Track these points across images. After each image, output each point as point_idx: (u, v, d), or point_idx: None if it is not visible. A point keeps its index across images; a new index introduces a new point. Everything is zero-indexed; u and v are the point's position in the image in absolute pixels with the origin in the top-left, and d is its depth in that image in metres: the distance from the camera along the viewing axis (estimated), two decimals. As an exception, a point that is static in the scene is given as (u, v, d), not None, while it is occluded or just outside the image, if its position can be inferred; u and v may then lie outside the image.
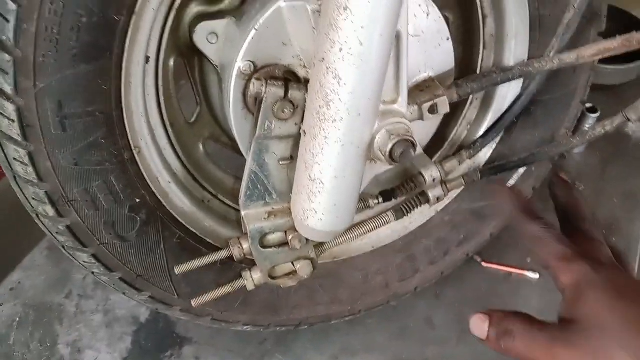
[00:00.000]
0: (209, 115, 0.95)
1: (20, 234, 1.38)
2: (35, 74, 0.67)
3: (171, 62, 0.86)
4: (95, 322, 1.19)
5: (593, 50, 0.86)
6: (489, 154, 1.03)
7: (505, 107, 0.99)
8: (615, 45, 0.86)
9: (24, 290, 1.26)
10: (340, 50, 0.63)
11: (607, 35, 1.89)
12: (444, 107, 0.86)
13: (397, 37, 0.71)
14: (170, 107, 0.86)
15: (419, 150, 0.95)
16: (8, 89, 0.67)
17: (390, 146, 0.72)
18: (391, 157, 0.72)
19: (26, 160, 0.72)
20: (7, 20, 0.64)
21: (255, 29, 0.75)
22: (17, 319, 1.20)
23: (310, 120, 0.70)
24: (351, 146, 0.70)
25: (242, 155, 0.86)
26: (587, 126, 1.43)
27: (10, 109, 0.69)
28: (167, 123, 0.85)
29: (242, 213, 0.82)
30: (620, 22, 1.78)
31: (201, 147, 0.95)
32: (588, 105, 1.44)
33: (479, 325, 0.52)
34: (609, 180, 1.45)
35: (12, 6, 0.63)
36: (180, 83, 0.90)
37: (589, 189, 1.42)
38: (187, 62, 0.88)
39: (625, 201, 1.39)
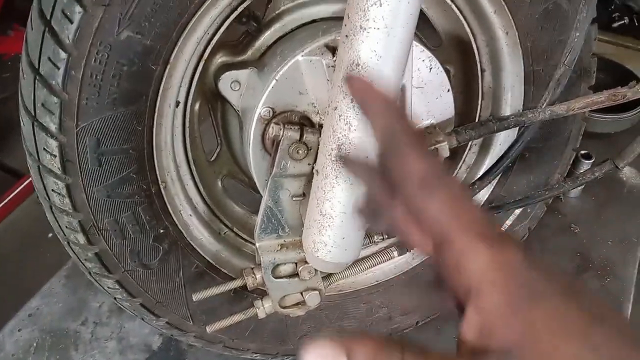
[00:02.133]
0: (228, 154, 1.02)
1: (39, 263, 1.45)
2: (78, 114, 0.75)
3: (197, 106, 0.94)
4: (109, 349, 1.24)
5: (582, 103, 0.94)
6: (487, 195, 1.10)
7: (502, 152, 1.06)
8: (602, 98, 0.94)
9: (41, 317, 1.31)
10: (352, 101, 0.71)
11: (601, 85, 1.99)
12: (445, 152, 0.94)
13: (402, 90, 0.80)
14: (194, 146, 0.94)
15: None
16: (53, 128, 0.75)
17: (394, 186, 0.79)
18: (395, 196, 0.79)
19: (64, 192, 0.79)
20: (58, 68, 0.72)
21: (276, 80, 0.84)
22: (35, 344, 1.25)
23: (323, 161, 0.77)
24: (359, 184, 0.77)
25: (255, 191, 0.93)
26: (581, 171, 1.50)
27: (53, 145, 0.77)
28: (191, 160, 0.93)
29: (257, 245, 0.89)
30: (613, 74, 1.89)
31: (219, 183, 1.03)
32: (583, 152, 1.52)
33: None
34: (604, 223, 1.51)
35: (63, 55, 0.72)
36: (202, 124, 0.99)
37: (584, 231, 1.48)
38: (210, 105, 0.97)
39: (620, 244, 1.44)
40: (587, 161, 1.50)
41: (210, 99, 0.96)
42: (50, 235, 1.52)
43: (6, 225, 1.52)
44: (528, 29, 0.94)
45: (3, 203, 1.47)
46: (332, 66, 0.80)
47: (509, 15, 0.93)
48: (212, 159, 1.01)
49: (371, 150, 0.76)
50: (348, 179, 0.77)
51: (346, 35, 0.70)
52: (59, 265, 1.42)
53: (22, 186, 1.56)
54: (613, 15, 2.18)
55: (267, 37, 0.94)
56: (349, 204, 0.78)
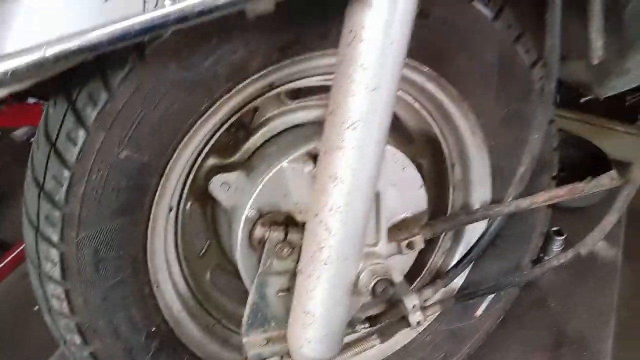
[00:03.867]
0: (217, 248, 1.08)
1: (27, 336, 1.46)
2: (79, 226, 0.81)
3: (188, 206, 1.01)
4: None
5: (544, 197, 1.03)
6: (461, 281, 1.16)
7: (475, 239, 1.13)
8: (562, 193, 1.03)
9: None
10: (330, 209, 0.78)
11: (572, 162, 2.08)
12: (420, 244, 1.01)
13: (377, 195, 0.88)
14: (185, 244, 1.00)
15: (400, 278, 1.08)
16: (55, 238, 0.81)
17: (372, 284, 0.86)
18: (373, 293, 0.86)
19: (63, 296, 0.84)
20: (61, 185, 0.79)
21: (262, 184, 0.91)
22: None
23: (305, 262, 0.84)
24: (339, 284, 0.83)
25: (243, 282, 0.98)
26: (554, 248, 1.58)
27: (54, 254, 0.82)
28: (182, 258, 0.99)
29: (243, 340, 0.93)
30: (583, 150, 2.01)
31: (208, 275, 1.08)
32: (555, 228, 1.60)
33: None
34: (578, 297, 1.57)
35: (67, 173, 0.78)
36: (193, 221, 1.05)
37: (559, 305, 1.54)
38: (201, 205, 1.04)
39: (595, 318, 1.50)
40: (559, 238, 1.58)
41: (200, 198, 1.02)
42: (36, 307, 1.53)
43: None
44: (492, 131, 1.04)
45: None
46: (314, 175, 0.87)
47: (475, 118, 1.02)
48: (202, 253, 1.07)
49: (349, 252, 0.82)
50: (329, 279, 0.83)
51: (324, 152, 0.79)
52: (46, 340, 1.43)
53: (9, 258, 1.59)
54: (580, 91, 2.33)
55: (254, 140, 1.02)
56: (330, 302, 0.84)
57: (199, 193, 1.01)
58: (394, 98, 0.76)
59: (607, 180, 1.05)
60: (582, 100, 2.28)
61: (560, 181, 1.87)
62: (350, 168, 0.76)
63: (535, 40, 1.02)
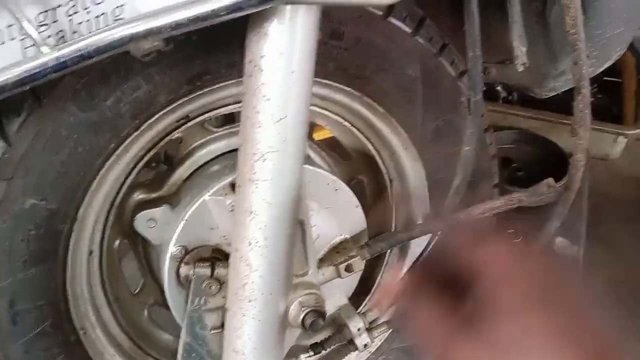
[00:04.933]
0: (153, 283, 1.05)
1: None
2: (-11, 279, 0.78)
3: (116, 244, 0.98)
4: None
5: (481, 210, 1.01)
6: (409, 298, 1.14)
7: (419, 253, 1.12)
8: (499, 204, 1.01)
9: None
10: (249, 244, 0.76)
11: (528, 160, 2.06)
12: (359, 266, 0.99)
13: (301, 224, 0.85)
14: (115, 284, 0.97)
15: (344, 301, 1.06)
16: (-35, 293, 0.78)
17: (301, 317, 0.83)
18: (303, 326, 0.83)
19: (-20, 352, 0.81)
20: (-34, 240, 0.76)
21: (185, 219, 0.89)
22: None
23: (231, 299, 0.81)
24: (267, 320, 0.80)
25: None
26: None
27: (-34, 309, 0.79)
28: (112, 299, 0.96)
29: (179, 381, 0.90)
30: (539, 147, 2.01)
31: (146, 313, 1.05)
32: (509, 230, 1.59)
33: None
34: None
35: (-30, 227, 0.75)
36: (124, 258, 1.02)
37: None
38: (131, 241, 1.01)
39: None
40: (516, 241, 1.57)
41: (130, 234, 0.99)
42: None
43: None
44: (424, 144, 1.02)
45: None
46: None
47: (405, 133, 1.01)
48: (137, 291, 1.04)
49: (273, 287, 0.80)
50: (255, 316, 0.81)
51: (239, 186, 0.76)
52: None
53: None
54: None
55: (180, 172, 0.99)
56: (259, 340, 0.81)
57: (128, 230, 0.98)
58: (305, 126, 0.74)
59: (544, 188, 1.04)
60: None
61: (519, 180, 1.88)
62: (264, 201, 0.74)
63: (462, 51, 1.00)
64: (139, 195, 0.97)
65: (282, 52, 0.68)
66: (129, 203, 0.96)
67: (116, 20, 0.61)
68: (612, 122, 2.00)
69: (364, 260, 1.00)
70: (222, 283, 0.88)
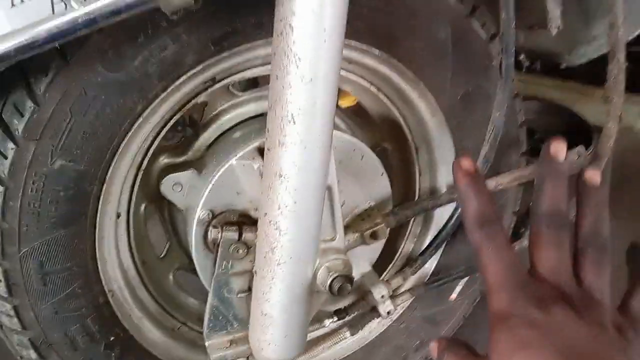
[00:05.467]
0: (179, 248, 1.05)
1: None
2: (20, 240, 0.78)
3: (142, 209, 0.98)
4: None
5: (509, 178, 0.99)
6: (433, 267, 1.13)
7: (443, 222, 1.10)
8: (527, 173, 0.99)
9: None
10: (279, 208, 0.75)
11: (552, 128, 2.02)
12: (383, 234, 0.98)
13: (329, 189, 0.84)
14: (141, 248, 0.97)
15: (368, 268, 1.06)
16: (-4, 255, 0.78)
17: (329, 282, 0.83)
18: (330, 291, 0.83)
19: (12, 312, 0.82)
20: (-4, 201, 0.76)
21: (212, 183, 0.88)
22: None
23: (260, 263, 0.81)
24: (295, 284, 0.80)
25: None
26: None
27: (-3, 270, 0.80)
28: (139, 263, 0.96)
29: (206, 343, 0.91)
30: (561, 117, 1.97)
31: (171, 277, 1.05)
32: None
33: (434, 349, 0.55)
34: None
35: (0, 188, 0.75)
36: (150, 222, 1.02)
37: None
38: (156, 206, 1.01)
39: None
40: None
41: (155, 199, 0.99)
42: None
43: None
44: (452, 111, 1.00)
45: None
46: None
47: (433, 99, 0.98)
48: (163, 255, 1.04)
49: (302, 251, 0.79)
50: (284, 279, 0.80)
51: (268, 149, 0.75)
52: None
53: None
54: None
55: (205, 137, 0.98)
56: (287, 303, 0.81)
57: (154, 194, 0.98)
58: (335, 88, 0.72)
59: (574, 156, 1.01)
60: (563, 66, 2.24)
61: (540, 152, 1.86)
62: (294, 164, 0.73)
63: (493, 13, 0.97)
64: (164, 159, 0.96)
65: (314, 10, 0.66)
66: (155, 167, 0.96)
67: (147, -26, 0.59)
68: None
69: (389, 228, 1.00)
70: (249, 247, 0.88)
